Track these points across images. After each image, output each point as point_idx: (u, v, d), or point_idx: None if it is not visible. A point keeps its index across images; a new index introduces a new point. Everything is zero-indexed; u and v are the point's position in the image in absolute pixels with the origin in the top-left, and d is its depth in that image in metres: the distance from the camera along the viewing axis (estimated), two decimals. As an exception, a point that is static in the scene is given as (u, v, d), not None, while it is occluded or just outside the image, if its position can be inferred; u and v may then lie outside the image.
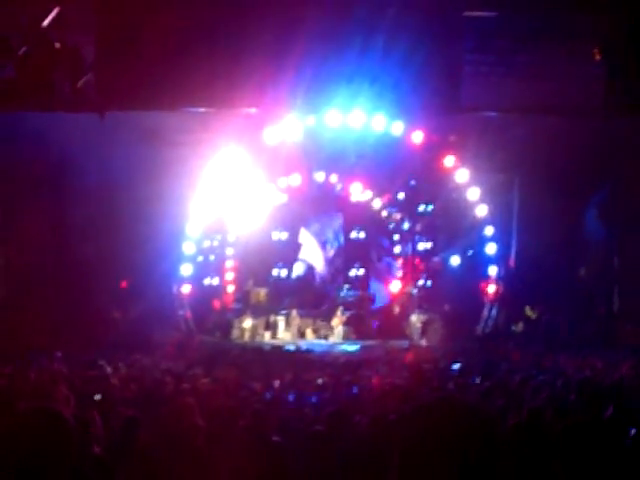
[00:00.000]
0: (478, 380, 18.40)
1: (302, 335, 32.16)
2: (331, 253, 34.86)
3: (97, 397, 13.12)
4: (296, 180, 32.60)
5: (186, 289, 30.74)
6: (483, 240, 31.67)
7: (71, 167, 29.11)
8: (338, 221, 34.98)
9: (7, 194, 27.72)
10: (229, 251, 33.50)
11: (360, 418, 10.78)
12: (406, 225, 34.52)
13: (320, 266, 34.74)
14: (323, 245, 34.79)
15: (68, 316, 28.04)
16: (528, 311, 31.62)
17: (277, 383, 16.67)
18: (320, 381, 17.35)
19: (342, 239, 35.12)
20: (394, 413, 10.15)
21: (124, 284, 30.85)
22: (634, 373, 17.39)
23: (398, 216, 34.70)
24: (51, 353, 22.09)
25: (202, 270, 32.18)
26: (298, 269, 34.75)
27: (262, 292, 33.79)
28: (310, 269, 34.74)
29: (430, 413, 3.58)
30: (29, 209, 28.18)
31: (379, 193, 33.76)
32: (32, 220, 28.10)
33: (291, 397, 14.66)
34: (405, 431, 3.57)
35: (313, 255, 34.73)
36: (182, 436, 9.31)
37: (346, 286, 34.51)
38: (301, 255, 34.72)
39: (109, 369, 18.27)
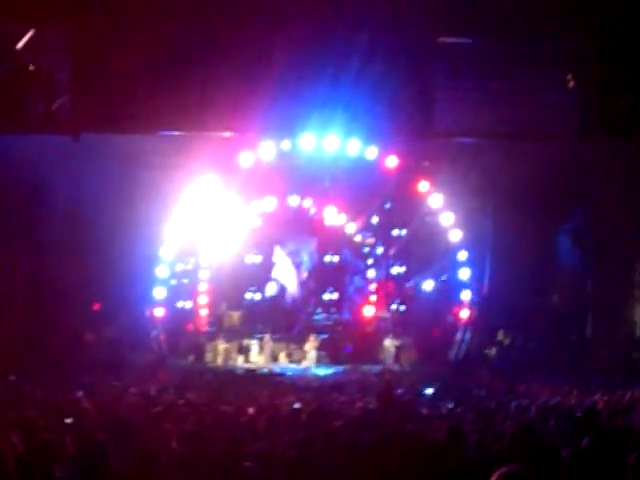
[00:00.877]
0: (451, 405, 18.41)
1: (275, 359, 32.02)
2: (304, 275, 34.74)
3: (68, 421, 13.02)
4: (270, 204, 32.57)
5: (159, 312, 30.60)
6: (457, 265, 31.65)
7: (44, 189, 28.98)
8: (313, 244, 34.87)
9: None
10: (203, 274, 33.37)
11: (332, 443, 10.73)
12: (380, 249, 34.49)
13: (293, 287, 34.61)
14: (297, 266, 34.67)
15: (40, 338, 27.83)
16: (501, 336, 31.64)
17: (251, 410, 16.55)
18: (297, 405, 17.28)
19: (316, 262, 34.99)
20: (365, 439, 10.13)
21: (97, 306, 30.69)
22: (607, 400, 17.43)
23: (372, 240, 34.66)
24: (24, 376, 21.96)
25: (175, 293, 32.06)
26: (271, 289, 34.61)
27: (235, 316, 33.64)
28: (282, 290, 34.62)
29: (390, 445, 3.61)
30: (1, 231, 28.01)
31: (353, 217, 33.71)
32: (4, 242, 27.94)
33: (264, 422, 14.56)
34: (369, 460, 3.59)
35: (286, 275, 34.60)
36: (155, 460, 9.25)
37: (319, 310, 34.42)
38: (274, 274, 34.59)
39: (81, 392, 18.13)
